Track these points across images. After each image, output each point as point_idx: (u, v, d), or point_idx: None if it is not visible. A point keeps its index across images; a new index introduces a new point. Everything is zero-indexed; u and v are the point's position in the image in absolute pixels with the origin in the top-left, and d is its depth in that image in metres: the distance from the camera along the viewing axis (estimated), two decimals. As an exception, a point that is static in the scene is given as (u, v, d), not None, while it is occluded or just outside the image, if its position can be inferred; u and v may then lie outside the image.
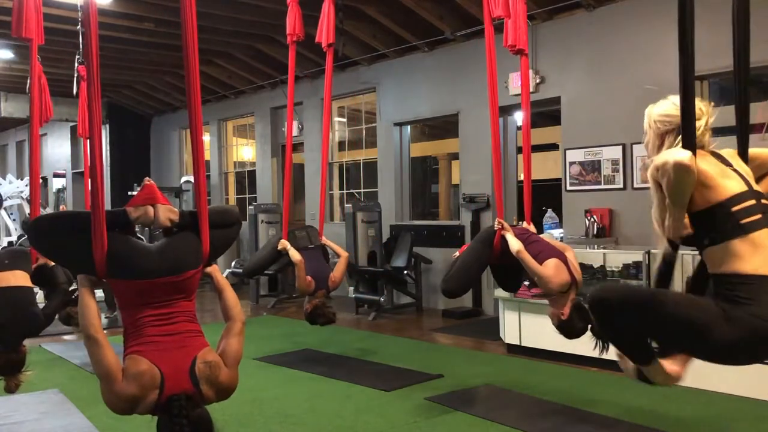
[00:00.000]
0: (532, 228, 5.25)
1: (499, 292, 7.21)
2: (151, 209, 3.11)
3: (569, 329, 4.64)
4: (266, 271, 11.27)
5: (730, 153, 2.66)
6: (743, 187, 2.47)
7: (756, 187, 2.53)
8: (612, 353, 3.37)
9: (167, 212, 3.13)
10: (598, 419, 5.05)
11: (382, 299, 9.69)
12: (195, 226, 3.14)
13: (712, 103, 2.70)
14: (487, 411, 5.29)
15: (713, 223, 2.44)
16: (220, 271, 3.37)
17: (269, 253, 6.99)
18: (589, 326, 4.47)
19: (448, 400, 5.49)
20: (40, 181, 5.43)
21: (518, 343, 7.08)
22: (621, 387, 5.85)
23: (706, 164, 2.48)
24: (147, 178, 3.35)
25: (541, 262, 4.65)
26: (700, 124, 2.59)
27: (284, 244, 6.53)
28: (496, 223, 4.92)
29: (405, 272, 9.61)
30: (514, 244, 4.73)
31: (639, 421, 4.95)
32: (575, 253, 4.95)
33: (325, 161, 6.98)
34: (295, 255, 6.41)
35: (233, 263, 12.30)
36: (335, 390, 5.97)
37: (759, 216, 2.40)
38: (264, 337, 8.41)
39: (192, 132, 3.25)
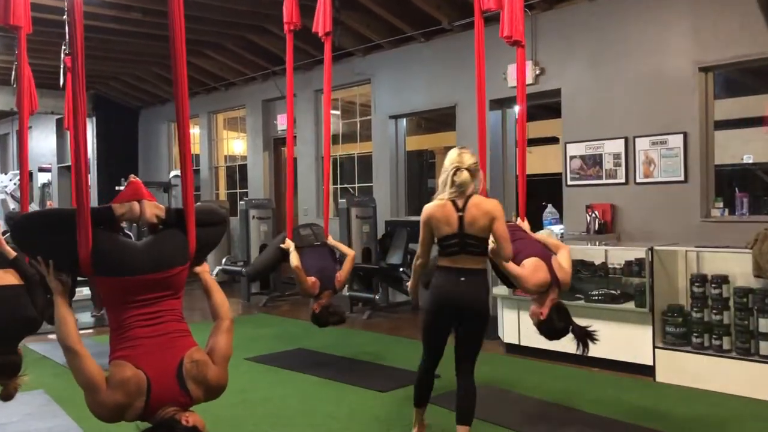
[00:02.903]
0: (525, 225, 5.25)
1: (498, 290, 7.20)
2: (137, 205, 3.12)
3: (548, 330, 4.69)
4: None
5: (474, 200, 4.28)
6: (453, 230, 4.28)
7: (467, 229, 4.25)
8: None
9: (153, 208, 3.15)
10: (600, 421, 5.06)
11: (377, 297, 9.68)
12: (181, 223, 3.16)
13: (473, 157, 4.36)
14: (486, 412, 5.29)
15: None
16: (209, 271, 3.42)
17: (273, 253, 6.80)
18: (570, 327, 4.61)
19: (445, 401, 5.47)
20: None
21: (517, 343, 7.08)
22: (623, 388, 5.86)
23: (439, 213, 4.32)
24: (132, 175, 3.38)
25: (519, 262, 4.67)
26: (444, 178, 4.35)
27: (289, 244, 6.39)
28: None
29: (401, 269, 9.59)
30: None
31: (641, 423, 4.96)
32: (569, 252, 4.93)
33: (328, 155, 6.84)
34: (293, 261, 6.26)
35: (224, 260, 12.28)
36: (329, 391, 5.97)
37: (454, 248, 4.30)
38: (255, 337, 8.40)
39: (179, 126, 3.24)
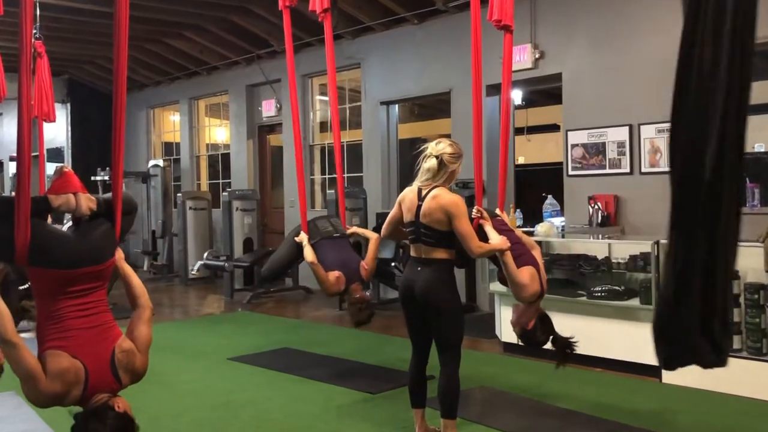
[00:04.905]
0: (505, 216, 5.21)
1: (495, 287, 7.17)
2: (72, 198, 3.31)
3: (531, 340, 4.85)
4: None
5: (435, 191, 4.41)
6: (412, 218, 4.49)
7: (421, 219, 4.42)
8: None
9: (88, 201, 3.34)
10: (603, 424, 5.05)
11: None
12: (109, 213, 3.39)
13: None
14: (482, 414, 5.29)
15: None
16: (124, 259, 3.63)
17: (288, 249, 6.42)
18: (551, 338, 4.79)
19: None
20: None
21: (516, 342, 7.05)
22: (627, 389, 5.84)
23: (408, 198, 4.58)
24: (65, 165, 3.58)
25: (518, 267, 4.65)
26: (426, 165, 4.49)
27: (303, 237, 6.02)
28: (474, 210, 4.82)
29: (392, 264, 9.57)
30: (501, 243, 4.58)
31: (647, 426, 4.95)
32: (541, 252, 5.12)
33: (338, 141, 6.65)
34: (307, 256, 5.90)
35: (206, 254, 12.23)
36: (317, 392, 5.95)
37: (412, 236, 4.52)
38: (239, 335, 8.37)
39: (114, 112, 3.50)
